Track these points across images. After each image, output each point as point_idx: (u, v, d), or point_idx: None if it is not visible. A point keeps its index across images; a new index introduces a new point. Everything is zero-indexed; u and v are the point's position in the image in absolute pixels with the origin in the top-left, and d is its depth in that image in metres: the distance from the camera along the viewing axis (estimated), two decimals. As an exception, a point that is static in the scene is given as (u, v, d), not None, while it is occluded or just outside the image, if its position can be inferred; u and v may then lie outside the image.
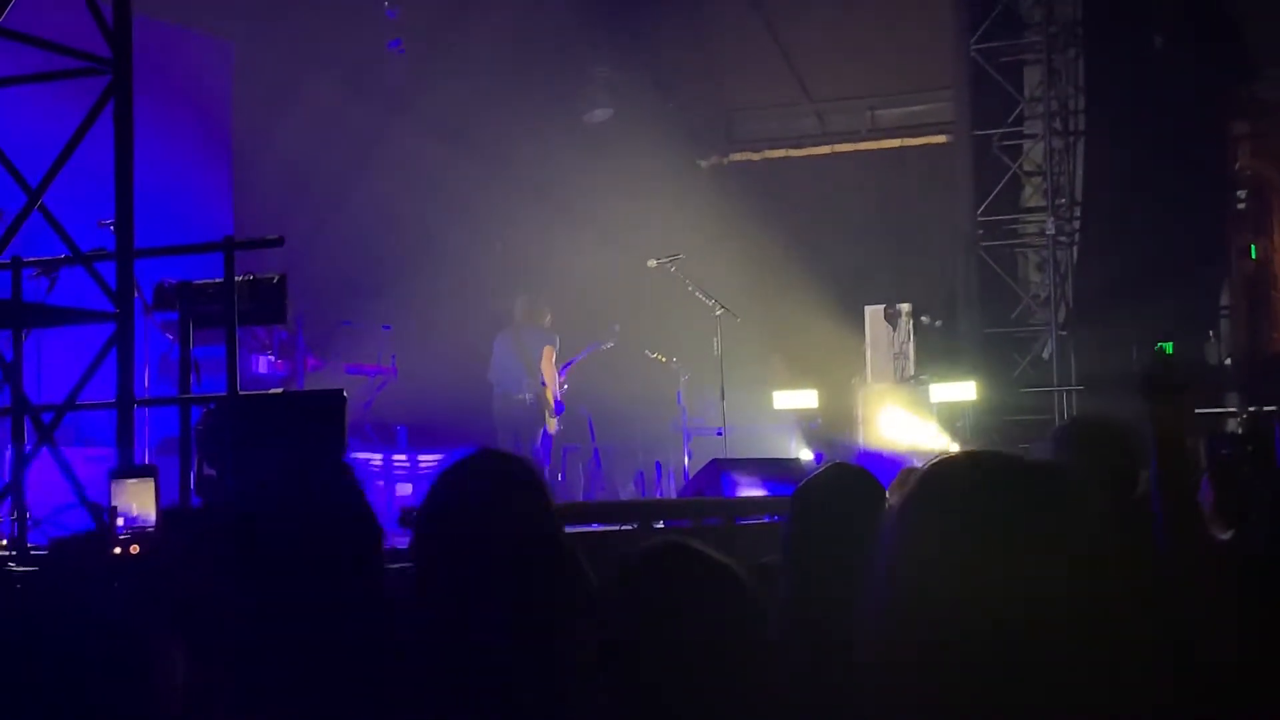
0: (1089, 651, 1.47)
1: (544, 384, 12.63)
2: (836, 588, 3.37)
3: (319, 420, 6.63)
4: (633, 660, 2.47)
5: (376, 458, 11.86)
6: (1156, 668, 1.53)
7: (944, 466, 1.65)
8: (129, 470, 5.52)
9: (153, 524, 5.23)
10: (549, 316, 12.96)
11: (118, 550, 5.19)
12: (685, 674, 2.43)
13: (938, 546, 1.53)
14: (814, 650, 3.09)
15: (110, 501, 5.35)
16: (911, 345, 14.55)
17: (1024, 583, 1.48)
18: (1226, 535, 4.12)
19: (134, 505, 5.26)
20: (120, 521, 5.32)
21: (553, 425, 12.67)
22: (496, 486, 2.83)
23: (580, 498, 13.32)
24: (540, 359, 12.62)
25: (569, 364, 13.19)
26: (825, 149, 17.55)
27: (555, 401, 12.76)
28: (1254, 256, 14.97)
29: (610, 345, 13.23)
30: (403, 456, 12.14)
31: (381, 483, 11.63)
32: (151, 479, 5.26)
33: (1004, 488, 1.56)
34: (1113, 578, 1.52)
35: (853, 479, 3.73)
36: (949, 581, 1.50)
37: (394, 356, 13.11)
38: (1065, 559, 1.50)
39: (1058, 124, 15.29)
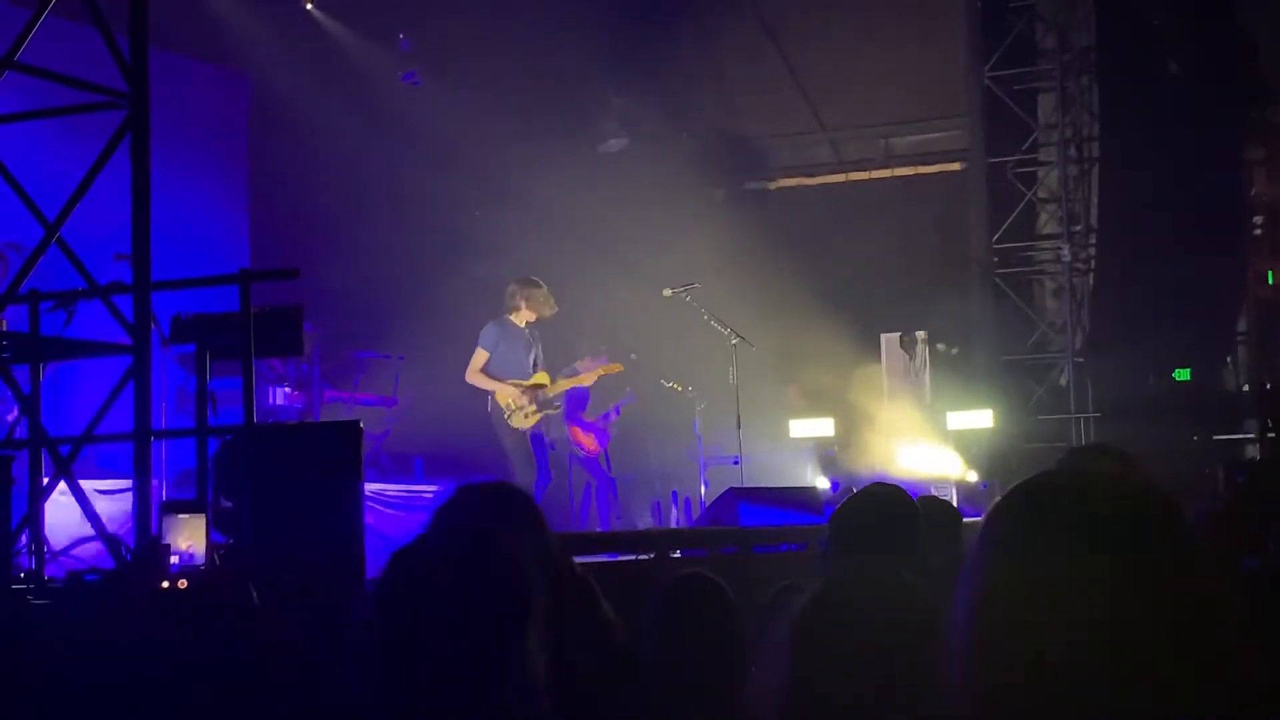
0: (1191, 676, 1.45)
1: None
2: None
3: (336, 452, 6.62)
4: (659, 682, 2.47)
5: (392, 489, 11.85)
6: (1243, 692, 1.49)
7: (1040, 483, 1.59)
8: (180, 505, 5.52)
9: (203, 558, 5.22)
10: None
11: (165, 584, 5.18)
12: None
13: (1036, 566, 1.49)
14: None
15: (162, 536, 5.33)
16: (928, 373, 14.53)
17: (1129, 603, 1.45)
18: (1251, 564, 4.10)
19: (184, 540, 5.25)
20: (175, 559, 5.31)
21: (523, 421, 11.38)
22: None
23: (597, 527, 13.31)
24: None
25: (605, 419, 13.35)
26: (840, 177, 17.58)
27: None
28: (1270, 281, 14.93)
29: (631, 400, 13.39)
30: (430, 488, 12.11)
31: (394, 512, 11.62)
32: (203, 515, 5.26)
33: (1108, 505, 1.52)
34: (1214, 598, 1.49)
35: (889, 498, 3.71)
36: (1051, 603, 1.47)
37: (395, 386, 13.13)
38: (1170, 579, 1.47)
39: (1072, 151, 15.28)
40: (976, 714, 1.50)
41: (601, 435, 13.49)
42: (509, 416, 11.05)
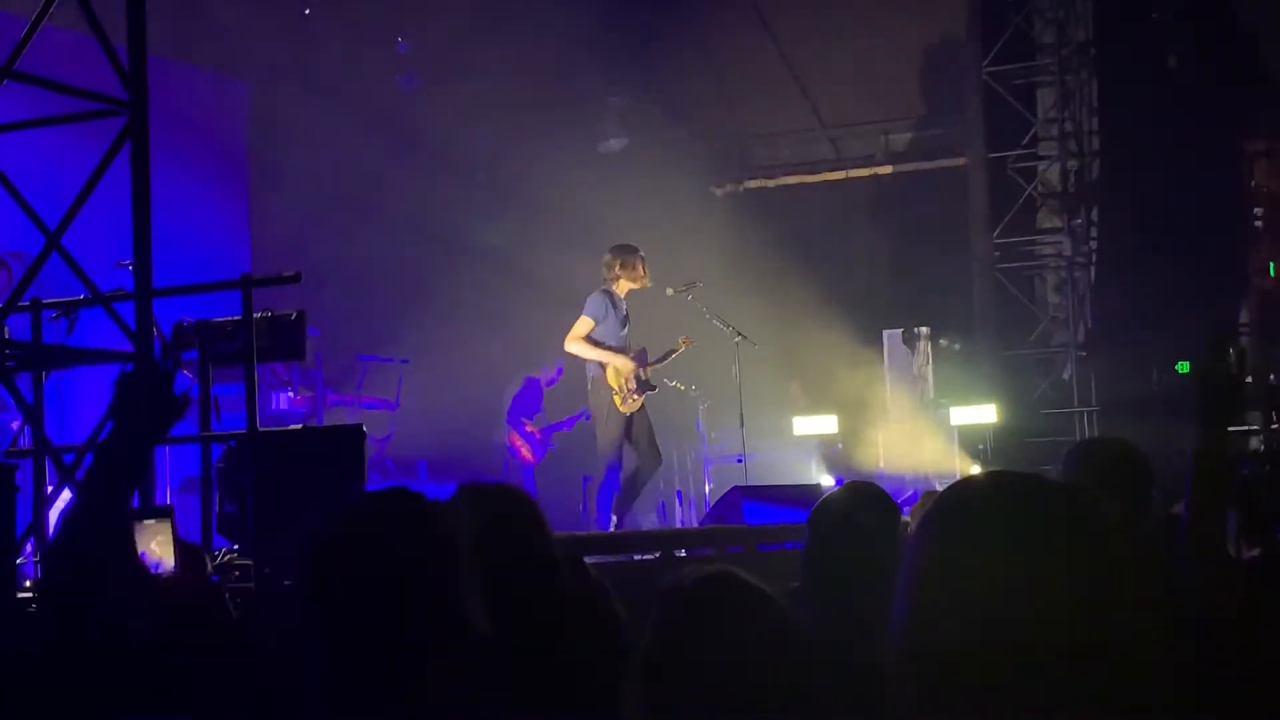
0: (1107, 668, 1.48)
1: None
2: (856, 607, 3.37)
3: (339, 455, 6.63)
4: (674, 684, 2.48)
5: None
6: (1174, 685, 1.53)
7: (961, 486, 1.66)
8: (145, 511, 5.51)
9: (171, 566, 5.22)
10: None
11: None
12: (725, 698, 2.45)
13: (956, 564, 1.54)
14: (835, 671, 3.09)
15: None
16: (931, 369, 14.52)
17: (1042, 599, 1.49)
18: (1252, 553, 4.11)
19: (150, 547, 5.25)
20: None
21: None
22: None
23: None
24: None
25: (549, 432, 13.31)
26: (840, 174, 17.56)
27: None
28: (1271, 274, 14.92)
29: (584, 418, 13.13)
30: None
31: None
32: (168, 520, 5.26)
33: (1021, 504, 1.57)
34: (1132, 594, 1.52)
35: (868, 497, 3.73)
36: (968, 598, 1.51)
37: (398, 389, 13.12)
38: (1084, 575, 1.50)
39: (1072, 145, 15.28)
40: (921, 706, 1.55)
41: (540, 447, 13.38)
42: (619, 398, 10.44)
